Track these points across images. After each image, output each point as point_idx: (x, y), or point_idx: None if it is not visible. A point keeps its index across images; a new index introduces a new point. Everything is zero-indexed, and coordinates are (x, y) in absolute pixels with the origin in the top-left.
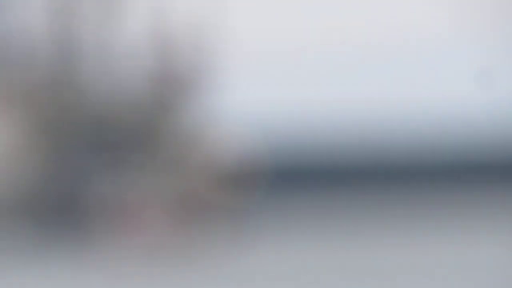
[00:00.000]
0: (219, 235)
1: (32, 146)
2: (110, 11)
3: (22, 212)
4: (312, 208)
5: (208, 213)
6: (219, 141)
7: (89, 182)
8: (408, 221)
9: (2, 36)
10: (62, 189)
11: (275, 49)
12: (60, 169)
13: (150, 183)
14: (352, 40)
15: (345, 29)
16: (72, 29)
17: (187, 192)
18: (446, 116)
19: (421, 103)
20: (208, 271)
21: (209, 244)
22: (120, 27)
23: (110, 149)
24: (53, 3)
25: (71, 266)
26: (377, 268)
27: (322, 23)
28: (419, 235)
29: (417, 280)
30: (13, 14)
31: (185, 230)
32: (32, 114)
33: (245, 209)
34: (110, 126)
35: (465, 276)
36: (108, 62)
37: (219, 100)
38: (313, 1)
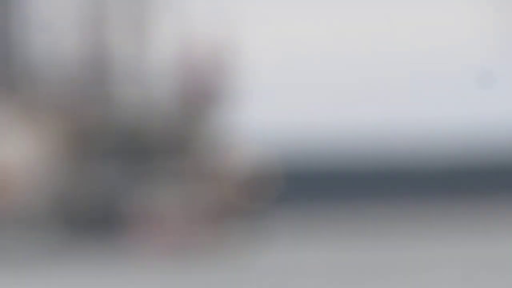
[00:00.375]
0: (240, 238)
1: (67, 156)
2: (140, 27)
3: (56, 219)
4: (323, 212)
5: (232, 218)
6: (239, 152)
7: (122, 191)
8: (416, 224)
9: (35, 51)
10: (95, 198)
11: (291, 61)
12: (93, 178)
13: (179, 192)
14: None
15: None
16: (104, 44)
17: (213, 200)
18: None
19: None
20: (230, 270)
21: (232, 246)
22: (150, 41)
23: (141, 159)
24: (85, 19)
25: (103, 270)
26: (385, 266)
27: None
28: (427, 236)
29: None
30: (47, 30)
31: (212, 234)
32: (67, 125)
33: (263, 214)
34: (141, 137)
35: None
36: (139, 77)
37: (238, 113)
38: (333, 12)
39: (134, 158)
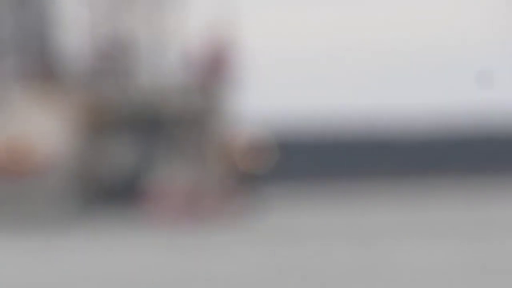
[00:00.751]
0: (246, 203)
1: (88, 132)
2: (160, 9)
3: (78, 191)
4: (312, 187)
5: (238, 186)
6: (243, 128)
7: (141, 165)
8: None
9: (61, 39)
10: (114, 171)
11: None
12: (113, 153)
13: (194, 163)
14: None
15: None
16: (125, 24)
17: (223, 170)
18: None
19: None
20: (236, 232)
21: (238, 210)
22: (169, 23)
23: (158, 134)
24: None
25: (121, 237)
26: (375, 229)
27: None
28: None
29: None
30: (72, 12)
31: (222, 200)
32: (88, 103)
33: (264, 181)
34: (159, 113)
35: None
36: (158, 56)
37: (242, 94)
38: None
39: (152, 133)
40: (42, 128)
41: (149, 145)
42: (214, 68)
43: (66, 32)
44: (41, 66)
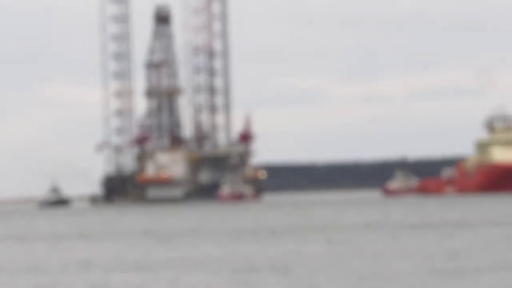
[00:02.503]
0: (250, 195)
1: (192, 166)
2: (222, 113)
3: (188, 196)
4: (294, 187)
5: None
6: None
7: (213, 181)
8: None
9: (183, 121)
10: (201, 184)
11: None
12: (204, 175)
13: (225, 176)
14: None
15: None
16: (207, 119)
17: (241, 182)
18: None
19: None
20: (253, 204)
21: (248, 200)
22: (226, 121)
23: (219, 165)
24: (198, 112)
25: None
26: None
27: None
28: None
29: None
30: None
31: (242, 195)
32: (191, 152)
33: (262, 188)
34: (224, 158)
35: None
36: (224, 134)
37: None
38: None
39: (219, 166)
40: (172, 164)
41: (219, 170)
42: (243, 139)
43: (183, 123)
44: (174, 138)
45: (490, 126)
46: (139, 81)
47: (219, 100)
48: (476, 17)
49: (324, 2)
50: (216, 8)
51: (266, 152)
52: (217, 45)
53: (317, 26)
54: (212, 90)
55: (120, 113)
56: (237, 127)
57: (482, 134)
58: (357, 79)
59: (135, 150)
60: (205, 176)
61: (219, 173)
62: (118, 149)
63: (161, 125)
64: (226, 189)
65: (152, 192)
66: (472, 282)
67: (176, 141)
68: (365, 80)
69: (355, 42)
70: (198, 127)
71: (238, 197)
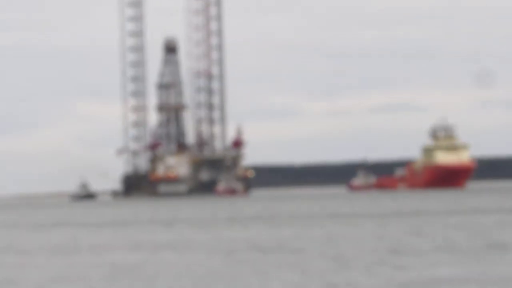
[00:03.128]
0: (240, 191)
1: (194, 167)
2: (219, 125)
3: (191, 191)
4: (280, 186)
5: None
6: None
7: (211, 179)
8: None
9: (189, 133)
10: (201, 181)
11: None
12: (203, 174)
13: (224, 173)
14: None
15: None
16: (207, 131)
17: (234, 179)
18: None
19: None
20: (243, 199)
21: (239, 195)
22: (222, 131)
23: (216, 166)
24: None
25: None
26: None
27: None
28: None
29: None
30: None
31: (235, 190)
32: (192, 157)
33: (251, 185)
34: (220, 160)
35: None
36: (219, 142)
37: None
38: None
39: (217, 167)
40: (178, 165)
41: (216, 170)
42: (235, 145)
43: (187, 132)
44: (180, 145)
45: (434, 134)
46: (152, 99)
47: (216, 114)
48: (422, 47)
49: (303, 34)
50: (214, 40)
51: (253, 155)
52: (215, 70)
53: (296, 54)
54: (210, 106)
55: (136, 124)
56: (230, 136)
57: (428, 141)
58: (326, 97)
59: (148, 154)
60: (204, 175)
61: (216, 172)
62: (134, 153)
63: (170, 134)
64: (221, 186)
65: (162, 188)
66: (419, 259)
67: (181, 147)
68: (332, 98)
69: (326, 67)
70: (199, 136)
71: (231, 192)
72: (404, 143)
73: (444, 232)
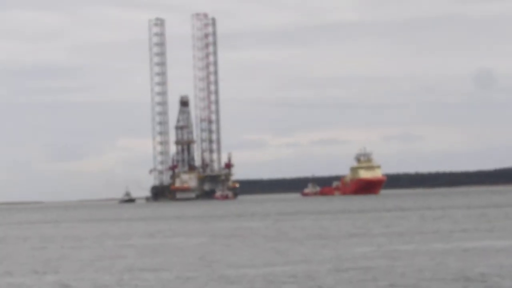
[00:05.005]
0: (231, 197)
1: (200, 181)
2: (215, 151)
3: (198, 197)
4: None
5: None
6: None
7: (211, 189)
8: None
9: (196, 157)
10: (205, 190)
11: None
12: (206, 186)
13: (219, 185)
14: None
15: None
16: (207, 158)
17: (226, 189)
18: None
19: None
20: (231, 202)
21: (230, 199)
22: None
23: (214, 180)
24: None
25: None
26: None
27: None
28: None
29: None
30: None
31: (227, 196)
32: (198, 175)
33: (237, 193)
34: (217, 176)
35: None
36: (215, 164)
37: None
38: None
39: (214, 181)
40: (189, 180)
41: (214, 183)
42: (227, 167)
43: (196, 158)
44: (190, 166)
45: (358, 158)
46: (172, 136)
47: (214, 146)
48: (344, 101)
49: (269, 93)
50: (213, 97)
51: (239, 173)
52: (213, 117)
53: (264, 107)
54: (210, 141)
55: (161, 153)
56: (223, 160)
57: (354, 163)
58: (283, 135)
59: (170, 173)
60: (207, 186)
61: (215, 184)
62: (160, 172)
63: (184, 160)
64: (218, 193)
65: (179, 195)
66: (338, 244)
67: (191, 168)
68: (287, 135)
69: (283, 115)
70: (203, 161)
71: (225, 197)
72: (338, 164)
73: (367, 226)
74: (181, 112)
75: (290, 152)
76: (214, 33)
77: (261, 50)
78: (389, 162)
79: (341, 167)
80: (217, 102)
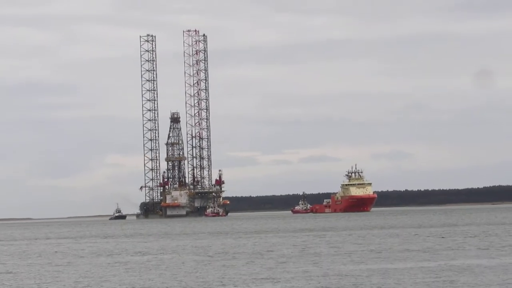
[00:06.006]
0: (222, 214)
1: (191, 198)
2: (208, 171)
3: (188, 214)
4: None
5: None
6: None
7: (202, 206)
8: None
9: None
10: (196, 207)
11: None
12: (196, 202)
13: (210, 202)
14: None
15: None
16: (199, 179)
17: (217, 206)
18: None
19: None
20: (223, 219)
21: (221, 216)
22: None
23: (205, 197)
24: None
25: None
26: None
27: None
28: None
29: None
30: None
31: (218, 213)
32: (189, 191)
33: (228, 210)
34: (208, 193)
35: None
36: (205, 183)
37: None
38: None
39: (205, 197)
40: (180, 197)
41: (205, 200)
42: (217, 184)
43: (186, 175)
44: (181, 183)
45: (349, 176)
46: (163, 153)
47: (205, 163)
48: (331, 119)
49: (257, 110)
50: (203, 114)
51: (229, 190)
52: (204, 134)
53: (253, 125)
54: (201, 158)
55: (152, 170)
56: (214, 177)
57: (345, 180)
58: (272, 152)
59: (160, 189)
60: (197, 203)
61: (205, 201)
62: (151, 189)
63: (174, 176)
64: (209, 210)
65: (169, 212)
66: (325, 258)
67: (182, 184)
68: (278, 152)
69: (272, 133)
70: (194, 177)
71: (215, 214)
72: (329, 182)
73: (355, 242)
74: (172, 128)
75: (280, 169)
76: (205, 50)
77: (251, 68)
78: (378, 180)
79: (332, 185)
80: (207, 119)
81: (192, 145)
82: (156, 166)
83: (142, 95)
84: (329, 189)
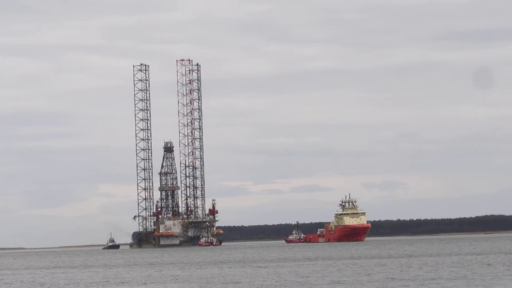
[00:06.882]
0: (216, 243)
1: (184, 227)
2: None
3: (182, 244)
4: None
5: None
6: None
7: (195, 235)
8: None
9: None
10: (189, 237)
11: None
12: (190, 232)
13: (204, 231)
14: None
15: None
16: (192, 203)
17: (211, 236)
18: None
19: None
20: (218, 248)
21: (214, 245)
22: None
23: (199, 226)
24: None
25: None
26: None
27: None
28: None
29: None
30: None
31: (212, 243)
32: (183, 221)
33: (221, 239)
34: (201, 222)
35: None
36: (200, 210)
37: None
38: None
39: (198, 227)
40: (173, 226)
41: (198, 230)
42: (211, 213)
43: (180, 204)
44: (174, 212)
45: (343, 205)
46: (156, 182)
47: (198, 192)
48: (324, 148)
49: (249, 140)
50: (196, 144)
51: (223, 220)
52: (197, 164)
53: (244, 155)
54: (195, 187)
55: (145, 199)
56: (208, 207)
57: (339, 210)
58: (265, 181)
59: (153, 219)
60: (191, 232)
61: (199, 231)
62: (144, 218)
63: (168, 206)
64: (203, 240)
65: (163, 241)
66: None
67: (175, 214)
68: (269, 181)
69: (263, 162)
70: (187, 207)
71: (209, 244)
72: (323, 211)
73: (342, 273)
74: (166, 158)
75: (271, 199)
76: (198, 79)
77: (243, 97)
78: (371, 209)
79: (325, 214)
80: (201, 149)
81: (185, 174)
82: (150, 196)
83: (135, 124)
84: (321, 219)
